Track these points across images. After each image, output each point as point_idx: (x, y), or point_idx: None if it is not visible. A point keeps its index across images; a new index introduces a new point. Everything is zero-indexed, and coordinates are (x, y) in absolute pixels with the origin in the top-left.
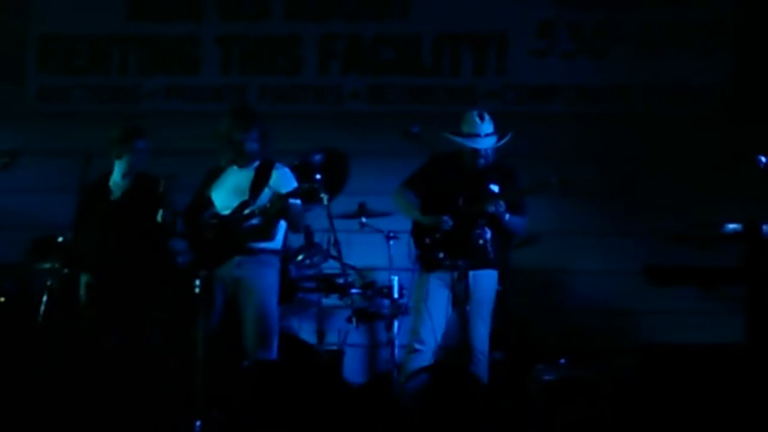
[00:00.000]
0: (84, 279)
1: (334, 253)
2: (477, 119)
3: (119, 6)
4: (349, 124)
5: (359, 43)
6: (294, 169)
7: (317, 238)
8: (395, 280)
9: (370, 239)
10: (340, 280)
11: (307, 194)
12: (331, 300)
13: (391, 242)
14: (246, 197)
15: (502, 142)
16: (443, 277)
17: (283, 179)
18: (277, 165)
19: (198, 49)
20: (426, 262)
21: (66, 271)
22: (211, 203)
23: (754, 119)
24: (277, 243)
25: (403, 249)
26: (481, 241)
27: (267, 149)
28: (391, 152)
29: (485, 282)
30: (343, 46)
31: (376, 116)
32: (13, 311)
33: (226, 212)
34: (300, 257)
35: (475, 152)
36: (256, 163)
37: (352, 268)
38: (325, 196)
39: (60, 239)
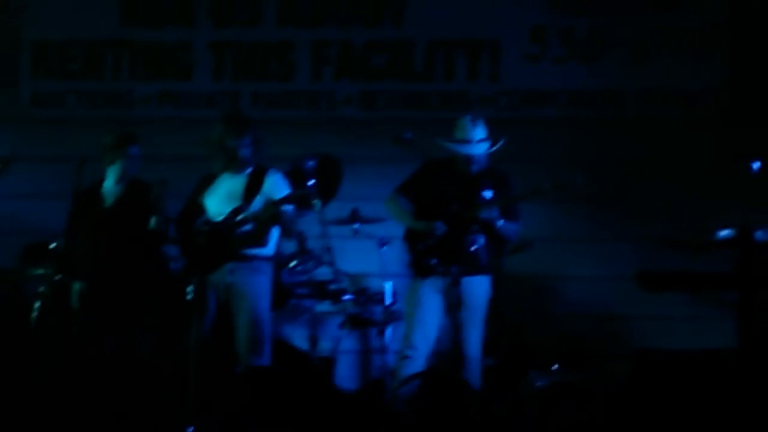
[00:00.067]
0: (76, 285)
1: (326, 259)
2: (470, 125)
3: (113, 12)
4: (341, 130)
5: (352, 49)
6: (287, 175)
7: (310, 245)
8: (388, 286)
9: (363, 245)
10: (333, 287)
11: (300, 200)
12: (324, 306)
13: (384, 248)
14: (239, 203)
15: (495, 147)
16: (436, 283)
17: (276, 185)
18: (270, 171)
19: (191, 55)
20: (419, 268)
21: (58, 277)
22: (203, 209)
23: (749, 123)
24: (269, 249)
25: (396, 255)
26: (473, 247)
27: (260, 155)
28: (384, 158)
29: (478, 288)
30: (335, 52)
31: (369, 122)
32: (5, 317)
33: (219, 218)
34: (293, 263)
35: (468, 158)
36: (249, 170)
37: (345, 274)
38: (317, 202)
39: (53, 245)
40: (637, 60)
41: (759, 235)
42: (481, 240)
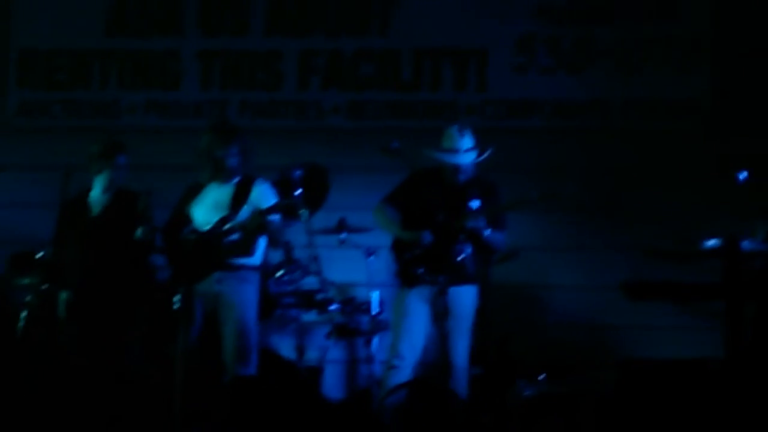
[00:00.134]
0: (63, 294)
1: (313, 268)
2: (457, 134)
3: (100, 21)
4: (329, 140)
5: (340, 58)
6: (274, 185)
7: (297, 254)
8: (375, 295)
9: (350, 255)
10: (320, 296)
11: (287, 210)
12: (311, 316)
13: (371, 258)
14: (226, 213)
15: (482, 157)
16: (423, 293)
17: (264, 195)
18: (258, 180)
19: (178, 64)
20: (406, 277)
21: (45, 286)
22: (190, 219)
23: (733, 134)
24: (256, 259)
25: (383, 264)
26: (461, 257)
27: (247, 165)
28: (372, 168)
29: (465, 297)
30: (323, 61)
31: (357, 131)
32: None
33: (206, 228)
34: (280, 273)
35: (456, 167)
36: (237, 179)
37: (332, 283)
38: (305, 212)
39: (39, 254)
40: (623, 70)
41: (745, 245)
42: (468, 249)
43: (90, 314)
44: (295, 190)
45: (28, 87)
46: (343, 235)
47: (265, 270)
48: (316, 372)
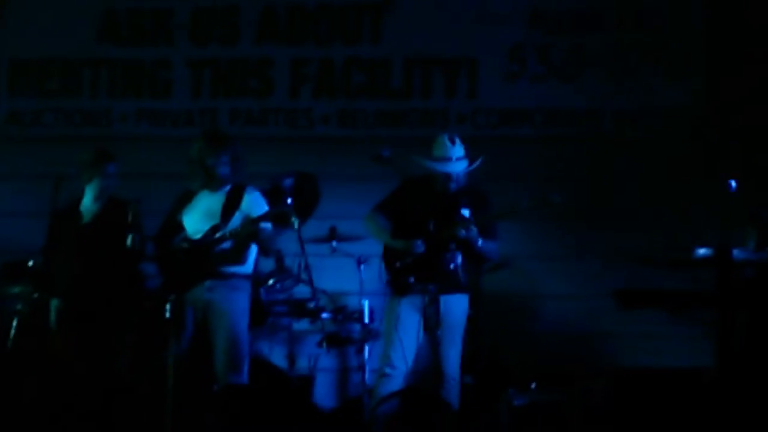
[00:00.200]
0: (54, 303)
1: (304, 277)
2: (448, 143)
3: (90, 30)
4: (320, 148)
5: (330, 67)
6: (265, 193)
7: (288, 263)
8: (366, 304)
9: (341, 263)
10: (311, 305)
11: (278, 218)
12: (302, 324)
13: (362, 266)
14: (217, 221)
15: (473, 166)
16: (414, 302)
17: (255, 203)
18: (249, 189)
19: (169, 73)
20: (397, 286)
21: (36, 295)
22: (181, 227)
23: (725, 141)
24: (248, 267)
25: (374, 273)
26: (452, 266)
27: (239, 173)
28: (362, 176)
29: (456, 306)
30: (314, 69)
31: (347, 140)
32: None
33: (197, 236)
34: (271, 281)
35: (446, 176)
36: (228, 187)
37: (323, 292)
38: (296, 221)
39: (30, 263)
40: (615, 78)
41: (737, 253)
42: (459, 258)
43: (81, 323)
44: (286, 198)
45: (19, 95)
46: (333, 244)
47: (257, 278)
48: (307, 380)
